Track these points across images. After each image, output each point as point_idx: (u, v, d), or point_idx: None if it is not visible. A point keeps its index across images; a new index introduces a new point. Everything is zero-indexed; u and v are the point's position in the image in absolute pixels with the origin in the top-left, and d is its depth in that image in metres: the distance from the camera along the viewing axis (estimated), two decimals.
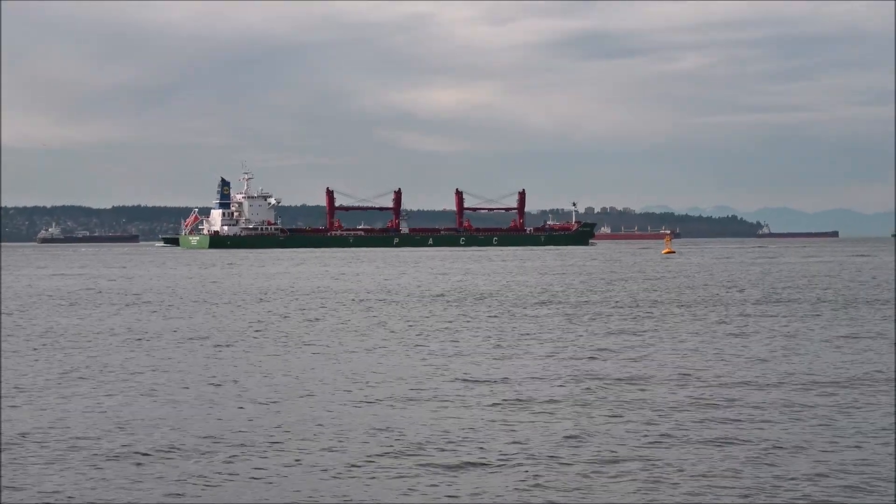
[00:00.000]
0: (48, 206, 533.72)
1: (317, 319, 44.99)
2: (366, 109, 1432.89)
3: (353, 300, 57.35)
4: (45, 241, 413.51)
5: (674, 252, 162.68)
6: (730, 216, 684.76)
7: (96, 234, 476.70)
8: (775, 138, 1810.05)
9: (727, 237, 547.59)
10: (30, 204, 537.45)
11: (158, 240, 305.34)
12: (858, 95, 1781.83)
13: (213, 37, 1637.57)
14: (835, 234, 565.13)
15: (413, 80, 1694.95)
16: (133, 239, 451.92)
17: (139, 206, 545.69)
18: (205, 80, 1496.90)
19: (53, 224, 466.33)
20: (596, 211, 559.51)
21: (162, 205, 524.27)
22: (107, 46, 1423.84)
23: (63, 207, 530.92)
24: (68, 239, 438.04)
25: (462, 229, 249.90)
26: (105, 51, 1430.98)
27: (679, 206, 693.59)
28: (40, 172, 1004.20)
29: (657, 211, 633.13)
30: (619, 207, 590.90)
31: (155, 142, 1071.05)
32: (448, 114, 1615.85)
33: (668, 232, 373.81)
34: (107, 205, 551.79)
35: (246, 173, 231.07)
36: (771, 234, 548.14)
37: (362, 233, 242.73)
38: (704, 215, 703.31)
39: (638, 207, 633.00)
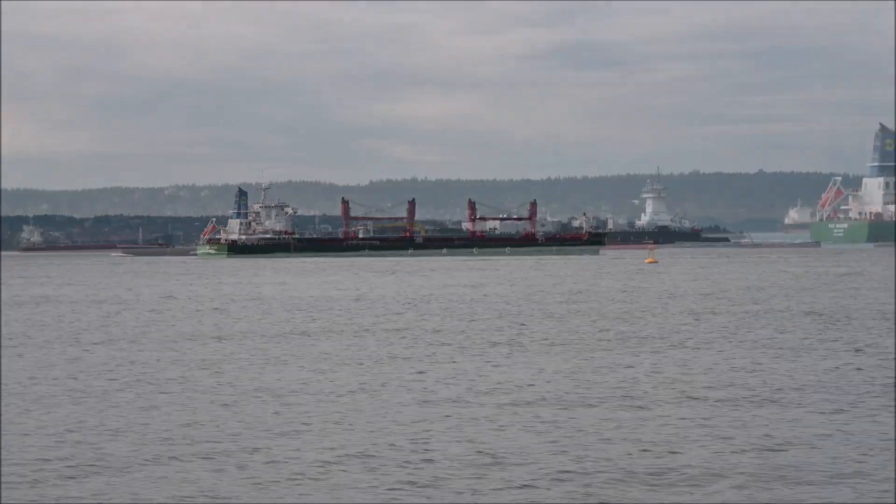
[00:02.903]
0: (30, 215, 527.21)
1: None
2: (351, 120, 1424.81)
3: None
4: (27, 249, 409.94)
5: (657, 262, 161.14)
6: (713, 226, 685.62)
7: (78, 243, 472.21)
8: (759, 148, 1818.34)
9: (709, 246, 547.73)
10: (12, 213, 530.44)
11: (116, 248, 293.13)
12: (844, 107, 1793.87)
13: (198, 47, 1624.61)
14: (817, 243, 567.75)
15: (399, 90, 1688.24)
16: (115, 248, 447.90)
17: (121, 216, 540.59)
18: (189, 90, 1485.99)
19: (36, 233, 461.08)
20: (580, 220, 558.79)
21: (145, 214, 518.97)
22: (90, 55, 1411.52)
23: (45, 216, 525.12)
24: (50, 247, 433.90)
25: (476, 239, 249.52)
26: (90, 60, 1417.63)
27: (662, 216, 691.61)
28: (24, 181, 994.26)
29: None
30: (602, 217, 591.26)
31: (139, 152, 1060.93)
32: (433, 124, 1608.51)
33: (652, 241, 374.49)
34: (89, 214, 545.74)
35: (262, 183, 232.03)
36: (754, 244, 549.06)
37: (377, 242, 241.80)
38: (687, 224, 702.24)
39: (621, 217, 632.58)
